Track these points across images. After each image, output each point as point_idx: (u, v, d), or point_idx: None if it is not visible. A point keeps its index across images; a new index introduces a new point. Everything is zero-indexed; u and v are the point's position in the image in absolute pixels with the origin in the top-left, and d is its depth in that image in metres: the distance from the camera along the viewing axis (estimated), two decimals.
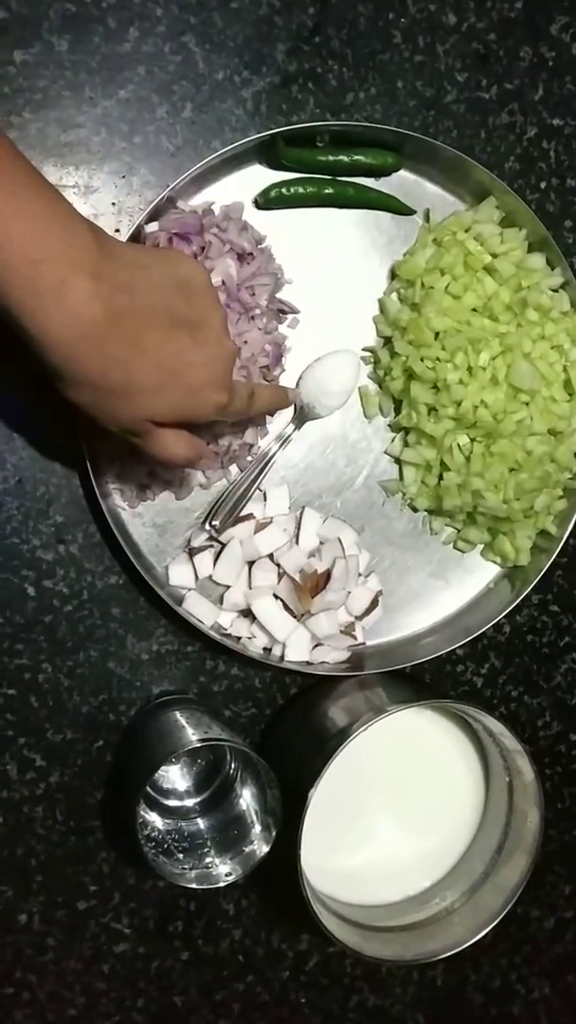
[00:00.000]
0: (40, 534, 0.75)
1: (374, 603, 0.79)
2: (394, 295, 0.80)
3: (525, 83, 0.82)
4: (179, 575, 0.76)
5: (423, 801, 0.83)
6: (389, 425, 0.81)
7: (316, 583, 0.76)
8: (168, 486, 0.76)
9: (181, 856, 0.74)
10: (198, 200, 0.75)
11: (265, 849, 0.72)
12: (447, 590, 0.83)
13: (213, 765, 0.78)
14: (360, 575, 0.79)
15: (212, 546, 0.76)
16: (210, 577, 0.76)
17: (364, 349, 0.81)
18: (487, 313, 0.78)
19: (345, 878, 0.81)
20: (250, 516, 0.77)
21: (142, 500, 0.75)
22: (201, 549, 0.76)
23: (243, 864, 0.73)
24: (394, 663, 0.79)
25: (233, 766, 0.77)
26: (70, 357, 0.55)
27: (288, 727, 0.80)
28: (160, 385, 0.59)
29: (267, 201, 0.76)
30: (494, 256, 0.79)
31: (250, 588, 0.76)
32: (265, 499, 0.78)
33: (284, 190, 0.76)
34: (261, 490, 0.78)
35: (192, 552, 0.76)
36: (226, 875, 0.73)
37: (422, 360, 0.77)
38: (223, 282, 0.71)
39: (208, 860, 0.74)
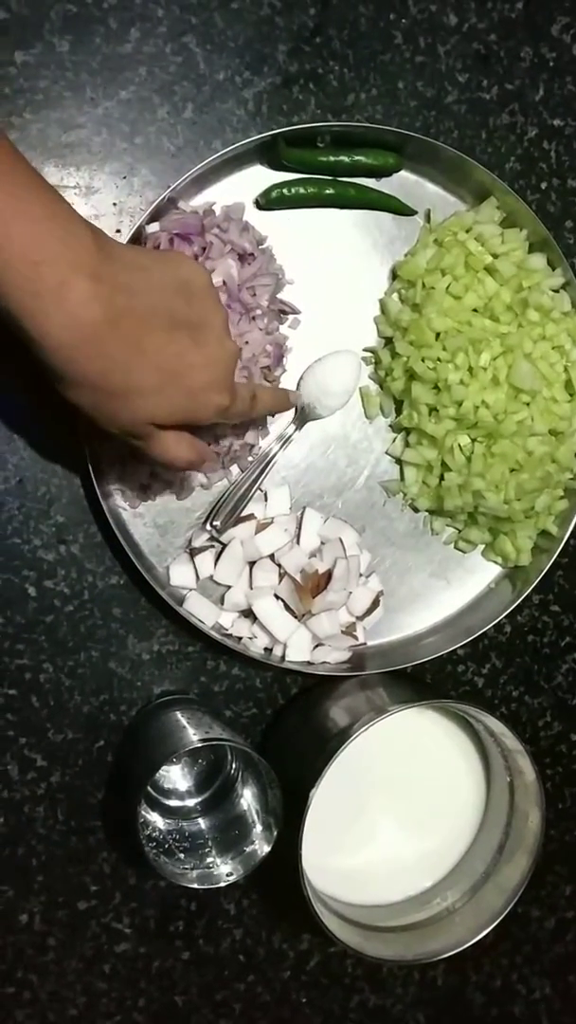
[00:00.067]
0: (41, 534, 0.75)
1: (375, 603, 0.79)
2: (395, 295, 0.80)
3: (526, 84, 0.82)
4: (180, 575, 0.76)
5: (424, 801, 0.83)
6: (390, 425, 0.81)
7: (317, 583, 0.76)
8: (169, 486, 0.76)
9: (182, 856, 0.74)
10: (199, 201, 0.75)
11: (266, 849, 0.72)
12: (448, 590, 0.83)
13: (214, 765, 0.79)
14: (361, 575, 0.79)
15: (213, 546, 0.77)
16: (211, 577, 0.76)
17: (365, 349, 0.81)
18: (488, 313, 0.78)
19: (346, 878, 0.81)
20: (251, 516, 0.77)
21: (143, 500, 0.76)
22: (202, 549, 0.76)
23: (244, 864, 0.73)
24: (395, 663, 0.79)
25: (234, 766, 0.77)
26: (70, 359, 0.55)
27: (289, 727, 0.80)
28: (160, 387, 0.59)
29: (268, 202, 0.76)
30: (495, 256, 0.79)
31: (251, 588, 0.76)
32: (266, 499, 0.78)
33: (285, 191, 0.76)
34: (262, 490, 0.78)
35: (193, 552, 0.76)
36: (227, 875, 0.73)
37: (423, 360, 0.77)
38: (224, 283, 0.72)
39: (209, 860, 0.74)
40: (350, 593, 0.77)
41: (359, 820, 0.81)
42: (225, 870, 0.73)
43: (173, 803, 0.78)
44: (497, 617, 0.80)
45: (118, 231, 0.75)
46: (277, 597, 0.76)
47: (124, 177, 0.75)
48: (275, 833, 0.72)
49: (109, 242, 0.57)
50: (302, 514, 0.78)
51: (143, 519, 0.76)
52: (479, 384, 0.76)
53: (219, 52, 0.76)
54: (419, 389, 0.77)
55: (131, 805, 0.69)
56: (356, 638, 0.78)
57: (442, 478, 0.79)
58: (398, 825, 0.82)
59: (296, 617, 0.76)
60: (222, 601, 0.77)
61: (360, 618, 0.79)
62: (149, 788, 0.75)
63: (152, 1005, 0.81)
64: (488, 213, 0.80)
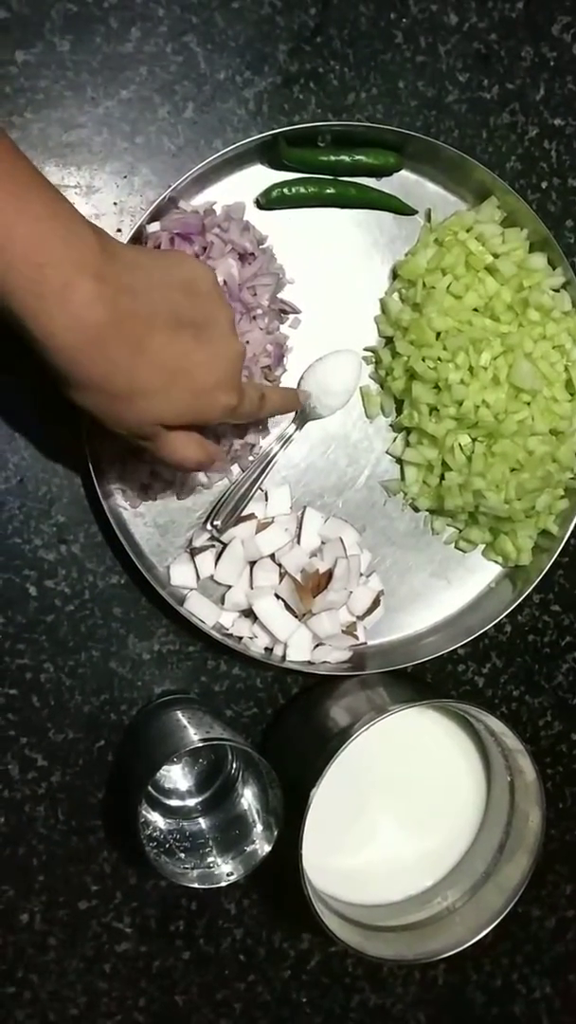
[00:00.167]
0: (42, 534, 0.75)
1: (375, 603, 0.79)
2: (395, 295, 0.80)
3: (526, 83, 0.82)
4: (181, 575, 0.76)
5: (425, 801, 0.83)
6: (390, 425, 0.81)
7: (318, 583, 0.76)
8: (170, 486, 0.76)
9: (183, 856, 0.74)
10: (200, 200, 0.75)
11: (267, 849, 0.72)
12: (448, 590, 0.83)
13: (215, 765, 0.79)
14: (361, 575, 0.79)
15: (214, 546, 0.77)
16: (211, 577, 0.76)
17: (366, 349, 0.81)
18: (488, 313, 0.78)
19: (347, 878, 0.81)
20: (252, 516, 0.77)
21: (144, 500, 0.76)
22: (203, 549, 0.76)
23: (245, 864, 0.73)
24: (395, 663, 0.79)
25: (235, 766, 0.77)
26: (74, 360, 0.55)
27: (290, 727, 0.80)
28: (166, 387, 0.59)
29: (269, 201, 0.76)
30: (495, 256, 0.79)
31: (251, 588, 0.76)
32: (267, 499, 0.78)
33: (286, 190, 0.76)
34: (263, 490, 0.78)
35: (194, 552, 0.76)
36: (228, 875, 0.73)
37: (423, 360, 0.77)
38: (225, 282, 0.72)
39: (210, 860, 0.74)
40: (350, 593, 0.77)
41: (360, 820, 0.81)
42: (226, 870, 0.73)
43: (174, 803, 0.78)
44: (497, 617, 0.80)
45: (119, 231, 0.75)
46: (278, 597, 0.76)
47: (125, 176, 0.75)
48: (276, 833, 0.72)
49: (112, 242, 0.56)
50: (302, 514, 0.78)
51: (144, 519, 0.76)
52: (479, 384, 0.76)
53: (220, 51, 0.76)
54: (420, 389, 0.77)
55: (132, 805, 0.69)
56: (356, 638, 0.78)
57: (443, 478, 0.79)
58: (398, 825, 0.82)
59: (296, 617, 0.76)
60: (223, 601, 0.77)
61: (360, 618, 0.79)
62: (150, 788, 0.75)
63: (153, 1005, 0.81)
64: (489, 212, 0.80)
